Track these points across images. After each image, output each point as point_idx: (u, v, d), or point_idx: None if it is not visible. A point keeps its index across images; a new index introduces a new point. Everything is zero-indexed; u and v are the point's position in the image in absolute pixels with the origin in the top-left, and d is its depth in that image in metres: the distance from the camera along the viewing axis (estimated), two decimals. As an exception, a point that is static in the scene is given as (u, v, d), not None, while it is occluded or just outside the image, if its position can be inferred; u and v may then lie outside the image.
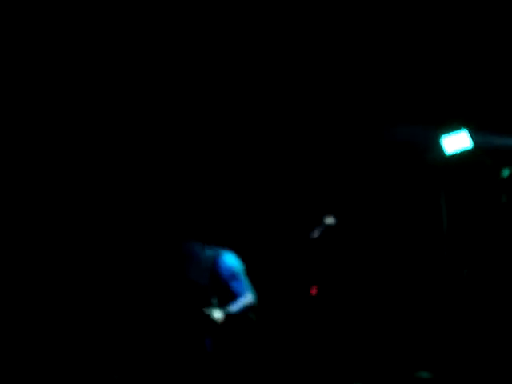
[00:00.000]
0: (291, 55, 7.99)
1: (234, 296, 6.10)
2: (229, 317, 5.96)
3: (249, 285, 6.20)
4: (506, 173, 7.49)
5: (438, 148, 7.99)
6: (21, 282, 7.66)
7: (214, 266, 6.17)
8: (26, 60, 8.09)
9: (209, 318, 5.94)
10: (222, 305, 6.03)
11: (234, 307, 6.02)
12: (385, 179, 8.25)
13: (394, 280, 8.06)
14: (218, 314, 5.95)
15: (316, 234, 6.68)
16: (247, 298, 6.10)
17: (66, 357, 6.82)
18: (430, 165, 8.22)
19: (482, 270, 7.54)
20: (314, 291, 7.04)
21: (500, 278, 7.32)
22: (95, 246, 8.04)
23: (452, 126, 7.92)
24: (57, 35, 8.04)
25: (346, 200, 8.09)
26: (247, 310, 6.12)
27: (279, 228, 8.28)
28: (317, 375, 7.16)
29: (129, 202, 8.20)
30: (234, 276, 6.15)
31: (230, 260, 6.24)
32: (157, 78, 8.27)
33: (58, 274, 7.85)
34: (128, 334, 7.63)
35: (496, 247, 7.58)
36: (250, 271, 6.32)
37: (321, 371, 7.19)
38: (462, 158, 7.98)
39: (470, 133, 7.84)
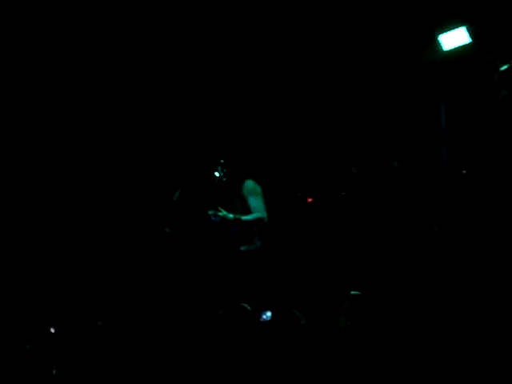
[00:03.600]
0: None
1: (250, 212, 6.74)
2: (237, 221, 6.60)
3: (263, 205, 6.78)
4: (504, 67, 7.35)
5: (436, 45, 7.86)
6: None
7: (239, 187, 6.84)
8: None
9: (220, 215, 6.58)
10: None
11: (246, 217, 6.68)
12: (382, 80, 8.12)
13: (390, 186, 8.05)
14: (229, 215, 6.59)
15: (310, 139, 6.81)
16: (260, 214, 6.72)
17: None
18: (427, 63, 8.05)
19: (480, 171, 7.47)
20: (310, 200, 7.12)
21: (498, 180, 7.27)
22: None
23: (450, 22, 7.75)
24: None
25: (342, 104, 7.99)
26: (257, 223, 6.74)
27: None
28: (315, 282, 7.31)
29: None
30: (251, 193, 6.78)
31: (252, 183, 6.88)
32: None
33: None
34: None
35: (495, 145, 7.50)
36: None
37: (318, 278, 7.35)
38: (460, 54, 7.84)
39: (468, 28, 7.68)
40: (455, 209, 7.67)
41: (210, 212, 6.61)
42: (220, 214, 6.57)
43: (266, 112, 8.50)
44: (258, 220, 6.68)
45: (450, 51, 7.85)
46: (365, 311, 5.33)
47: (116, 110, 8.65)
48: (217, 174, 6.79)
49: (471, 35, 7.69)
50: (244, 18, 8.27)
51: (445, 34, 7.79)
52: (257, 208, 6.70)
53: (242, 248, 6.72)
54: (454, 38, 7.78)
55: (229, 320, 5.11)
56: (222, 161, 6.83)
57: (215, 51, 8.44)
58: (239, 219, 6.58)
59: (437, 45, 7.86)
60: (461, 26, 7.70)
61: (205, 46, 8.44)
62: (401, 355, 4.79)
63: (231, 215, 6.57)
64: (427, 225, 7.69)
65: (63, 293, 7.92)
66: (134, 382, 5.09)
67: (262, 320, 5.17)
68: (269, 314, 4.64)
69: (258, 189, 6.83)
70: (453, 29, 7.73)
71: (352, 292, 5.65)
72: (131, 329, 6.89)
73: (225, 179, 6.78)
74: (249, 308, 5.29)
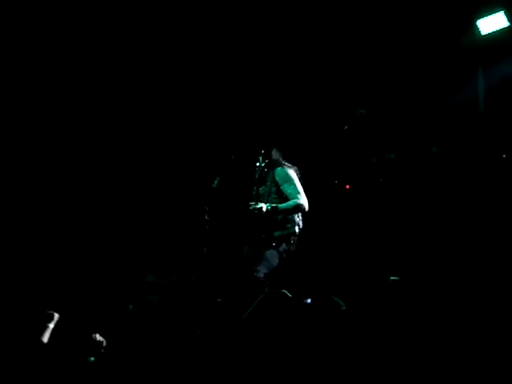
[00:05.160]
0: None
1: (287, 199, 6.63)
2: (275, 209, 6.49)
3: (301, 191, 6.66)
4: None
5: (474, 30, 7.82)
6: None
7: (273, 174, 6.74)
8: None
9: (254, 208, 6.46)
10: None
11: (282, 205, 6.56)
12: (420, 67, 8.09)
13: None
14: (263, 205, 6.46)
15: (348, 125, 6.82)
16: (296, 201, 6.56)
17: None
18: (465, 47, 8.00)
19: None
20: (347, 186, 7.16)
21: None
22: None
23: (487, 6, 7.70)
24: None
25: (380, 90, 7.99)
26: (295, 209, 6.61)
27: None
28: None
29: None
30: (285, 180, 6.66)
31: (282, 170, 6.75)
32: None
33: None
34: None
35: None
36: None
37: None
38: (499, 38, 7.78)
39: (506, 12, 7.63)
40: (494, 193, 7.65)
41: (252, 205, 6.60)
42: (257, 206, 6.53)
43: (305, 99, 8.53)
44: (296, 206, 6.59)
45: (488, 35, 7.82)
46: (404, 297, 5.35)
47: (156, 99, 8.75)
48: (257, 163, 6.81)
49: (509, 19, 7.65)
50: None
51: (483, 18, 7.76)
52: (292, 194, 6.63)
53: (276, 234, 6.71)
54: (492, 22, 7.75)
55: (270, 306, 5.17)
56: (263, 150, 6.85)
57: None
58: (276, 208, 6.58)
59: (475, 29, 7.83)
60: (499, 10, 7.66)
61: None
62: (442, 340, 4.80)
63: (267, 206, 6.55)
64: (466, 209, 7.69)
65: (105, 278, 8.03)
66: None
67: (302, 307, 5.22)
68: (309, 300, 4.68)
69: (291, 175, 6.78)
70: (491, 13, 7.70)
71: (391, 278, 5.69)
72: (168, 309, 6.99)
73: (266, 169, 6.78)
74: (289, 295, 5.34)
